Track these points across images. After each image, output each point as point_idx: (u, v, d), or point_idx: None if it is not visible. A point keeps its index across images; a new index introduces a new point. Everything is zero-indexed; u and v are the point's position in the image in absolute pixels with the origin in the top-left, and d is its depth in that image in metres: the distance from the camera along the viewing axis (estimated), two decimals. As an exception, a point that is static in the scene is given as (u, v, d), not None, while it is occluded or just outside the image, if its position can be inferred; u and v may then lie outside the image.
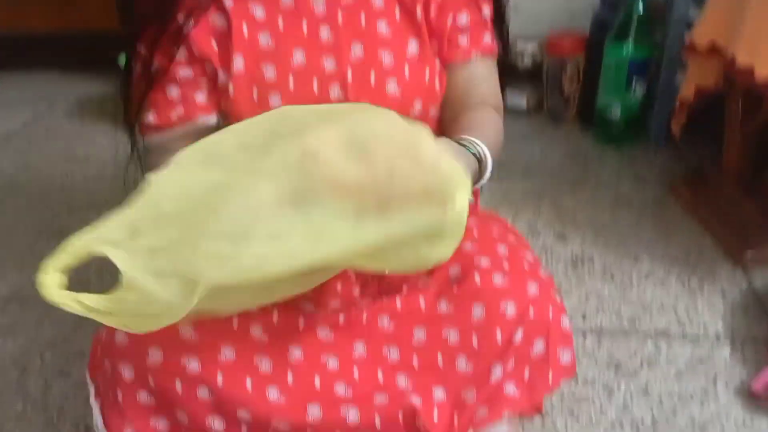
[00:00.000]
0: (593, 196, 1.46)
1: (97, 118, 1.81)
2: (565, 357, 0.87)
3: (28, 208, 1.44)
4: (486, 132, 0.83)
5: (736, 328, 1.10)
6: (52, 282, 0.63)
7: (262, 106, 0.82)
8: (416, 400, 0.82)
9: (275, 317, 0.84)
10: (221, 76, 0.82)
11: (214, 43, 0.82)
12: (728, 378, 1.01)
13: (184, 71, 0.83)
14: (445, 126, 0.94)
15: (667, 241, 1.31)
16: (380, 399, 0.81)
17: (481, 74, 0.91)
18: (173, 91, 0.84)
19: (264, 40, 0.82)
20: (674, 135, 1.45)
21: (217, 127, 0.87)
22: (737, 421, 0.94)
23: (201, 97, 0.85)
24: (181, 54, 0.82)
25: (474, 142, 0.76)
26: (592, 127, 1.70)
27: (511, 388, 0.84)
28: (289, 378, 0.80)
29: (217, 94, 0.85)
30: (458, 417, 0.82)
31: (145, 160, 0.91)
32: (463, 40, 0.88)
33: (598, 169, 1.56)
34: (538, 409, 0.94)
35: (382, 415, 0.81)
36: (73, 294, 0.63)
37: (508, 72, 0.99)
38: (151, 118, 0.85)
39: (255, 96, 0.82)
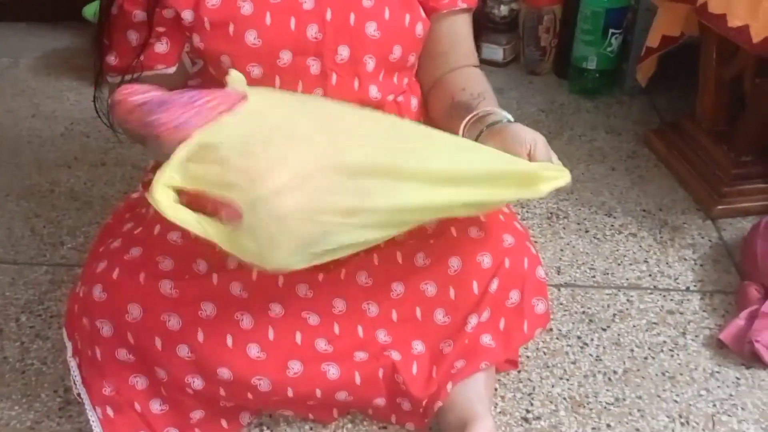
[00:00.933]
0: (568, 149, 1.46)
1: (64, 74, 1.75)
2: (539, 307, 0.89)
3: (-5, 168, 1.41)
4: (494, 100, 0.87)
5: (706, 280, 1.13)
6: (166, 199, 0.64)
7: (238, 43, 0.80)
8: (395, 355, 0.83)
9: (254, 274, 0.84)
10: (188, 16, 0.80)
11: None
12: (697, 329, 1.04)
13: (143, 18, 0.80)
14: (428, 79, 0.93)
15: (641, 194, 1.33)
16: (360, 356, 0.83)
17: (463, 32, 0.92)
18: (133, 38, 0.82)
19: None
20: (641, 84, 1.45)
21: (176, 76, 0.85)
22: (706, 371, 0.97)
23: (161, 47, 0.83)
24: (154, 4, 0.79)
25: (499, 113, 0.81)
26: (567, 79, 1.70)
27: (487, 339, 0.85)
28: (270, 334, 0.81)
29: (181, 42, 0.83)
30: (437, 370, 0.83)
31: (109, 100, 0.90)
32: None
33: (573, 121, 1.56)
34: (513, 363, 0.96)
35: (361, 372, 0.82)
36: (195, 215, 0.65)
37: (484, 22, 0.98)
38: (112, 59, 0.84)
39: (231, 31, 0.80)
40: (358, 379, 0.82)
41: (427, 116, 0.98)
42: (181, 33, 0.82)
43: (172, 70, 0.84)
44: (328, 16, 0.82)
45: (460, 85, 0.89)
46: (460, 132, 0.82)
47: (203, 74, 0.87)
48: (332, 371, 0.81)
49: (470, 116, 0.82)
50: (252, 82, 0.83)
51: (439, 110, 0.91)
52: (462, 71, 0.91)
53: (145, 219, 0.87)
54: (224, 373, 0.78)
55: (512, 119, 0.82)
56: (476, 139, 0.80)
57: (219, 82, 0.85)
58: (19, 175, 1.38)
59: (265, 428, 0.89)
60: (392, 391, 0.84)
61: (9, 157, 1.44)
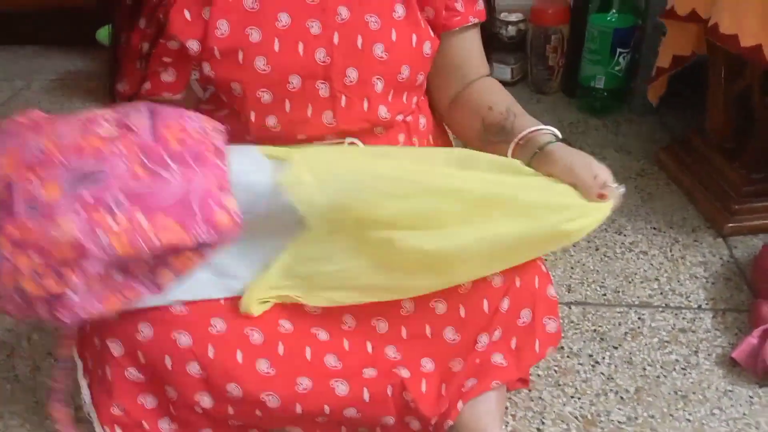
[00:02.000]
0: (578, 167, 1.46)
1: (76, 95, 1.78)
2: (551, 326, 0.89)
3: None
4: (521, 109, 0.89)
5: (718, 298, 1.12)
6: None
7: (247, 70, 0.82)
8: (404, 373, 0.83)
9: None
10: (193, 46, 0.82)
11: (187, 14, 0.81)
12: (710, 347, 1.03)
13: (153, 48, 0.82)
14: (445, 95, 0.95)
15: (651, 212, 1.32)
16: (369, 373, 0.82)
17: (475, 45, 0.93)
18: (140, 67, 0.84)
19: (248, 2, 0.81)
20: (653, 103, 1.46)
21: (186, 102, 0.88)
22: (719, 390, 0.96)
23: (167, 76, 0.85)
24: (153, 29, 0.81)
25: (547, 131, 0.82)
26: (576, 97, 1.70)
27: (498, 358, 0.85)
28: (280, 349, 0.81)
29: (187, 71, 0.85)
30: (446, 387, 0.83)
31: None
32: (459, 6, 0.88)
33: (582, 140, 1.56)
34: (524, 382, 0.95)
35: (370, 389, 0.82)
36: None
37: (492, 42, 1.00)
38: (121, 87, 0.86)
39: (240, 59, 0.81)
40: (366, 396, 0.82)
41: (437, 134, 0.99)
42: (187, 62, 0.84)
43: (179, 97, 0.87)
44: (336, 39, 0.83)
45: (485, 103, 0.89)
46: (513, 153, 0.84)
47: (215, 101, 0.88)
48: (341, 388, 0.81)
49: (516, 140, 0.83)
50: (262, 107, 0.84)
51: (471, 134, 0.92)
52: (480, 85, 0.92)
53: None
54: (234, 389, 0.78)
55: (557, 133, 0.83)
56: (530, 163, 0.81)
57: (230, 107, 0.87)
58: (32, 195, 1.39)
59: (274, 447, 0.89)
60: (401, 410, 0.83)
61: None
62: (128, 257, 0.64)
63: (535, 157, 0.80)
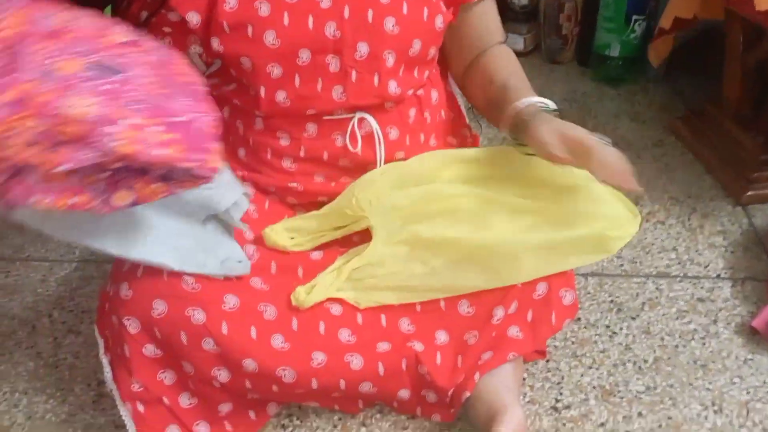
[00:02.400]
0: (593, 138, 1.45)
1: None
2: (567, 298, 0.88)
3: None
4: (522, 80, 0.90)
5: (737, 267, 1.11)
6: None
7: (257, 44, 0.81)
8: (418, 346, 0.83)
9: (273, 269, 0.85)
10: (193, 19, 0.81)
11: None
12: (729, 316, 1.02)
13: (152, 17, 0.82)
14: (461, 64, 0.94)
15: (668, 182, 1.31)
16: (383, 347, 0.83)
17: (492, 14, 0.93)
18: None
19: None
20: (653, 65, 1.43)
21: (216, 74, 0.87)
22: (738, 358, 0.96)
23: None
24: (158, 7, 0.81)
25: (538, 104, 0.84)
26: (590, 67, 1.68)
27: (514, 331, 0.85)
28: (294, 324, 0.82)
29: (185, 44, 0.84)
30: (462, 359, 0.83)
31: None
32: None
33: (597, 110, 1.54)
34: (541, 353, 0.95)
35: (385, 363, 0.82)
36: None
37: (505, 12, 0.99)
38: None
39: (250, 33, 0.81)
40: (381, 370, 0.82)
41: (449, 108, 0.98)
42: (187, 35, 0.83)
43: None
44: (346, 13, 0.82)
45: (488, 76, 0.90)
46: (503, 128, 0.87)
47: (222, 74, 0.87)
48: (355, 362, 0.82)
49: (507, 114, 0.85)
50: (272, 82, 0.84)
51: (479, 106, 0.95)
52: (489, 56, 0.92)
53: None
54: (249, 364, 0.79)
55: (549, 104, 0.85)
56: (516, 138, 0.85)
57: (239, 81, 0.86)
58: (47, 175, 1.40)
59: (294, 418, 0.90)
60: (416, 383, 0.84)
61: (37, 157, 1.46)
62: (118, 160, 0.59)
63: (518, 130, 0.84)
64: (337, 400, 0.87)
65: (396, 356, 0.83)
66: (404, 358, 0.83)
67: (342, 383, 0.81)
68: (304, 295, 0.82)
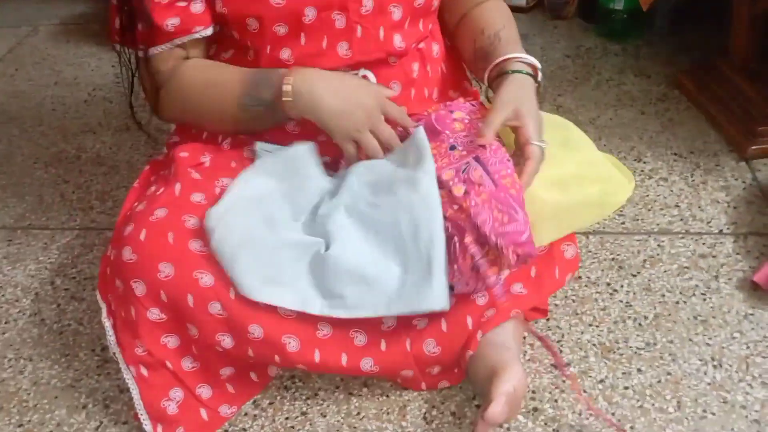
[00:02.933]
0: (596, 94, 1.43)
1: (82, 40, 1.75)
2: (569, 251, 0.89)
3: (21, 136, 1.43)
4: (514, 34, 0.89)
5: (739, 222, 1.10)
6: None
7: (262, 3, 0.81)
8: (422, 323, 0.83)
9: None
10: None
11: None
12: (730, 272, 1.02)
13: None
14: (454, 16, 0.93)
15: (671, 138, 1.29)
16: (389, 323, 0.83)
17: None
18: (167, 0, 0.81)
19: None
20: (643, 7, 1.38)
21: (213, 39, 0.85)
22: (739, 313, 0.96)
23: (197, 6, 0.82)
24: None
25: (526, 64, 0.84)
26: (594, 22, 1.64)
27: (518, 287, 0.85)
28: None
29: (213, 1, 0.82)
30: (471, 320, 0.84)
31: (143, 72, 0.90)
32: None
33: (601, 66, 1.52)
34: (542, 312, 0.96)
35: (388, 341, 0.83)
36: None
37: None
38: (146, 26, 0.83)
39: None
40: (383, 346, 0.83)
41: (450, 61, 0.96)
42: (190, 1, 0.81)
43: (210, 31, 0.84)
44: None
45: (479, 26, 0.88)
46: (485, 80, 0.87)
47: (221, 40, 0.86)
48: (360, 338, 0.82)
49: (490, 68, 0.85)
50: (277, 40, 0.82)
51: (466, 58, 0.94)
52: (482, 8, 0.91)
53: (168, 180, 0.87)
54: (255, 330, 0.79)
55: (535, 63, 0.85)
56: (490, 86, 0.86)
57: (237, 47, 0.85)
58: (44, 143, 1.40)
59: (297, 380, 0.91)
60: (422, 362, 0.84)
61: (33, 125, 1.45)
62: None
63: (494, 82, 0.85)
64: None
65: (400, 334, 0.83)
66: (408, 338, 0.83)
67: (344, 358, 0.82)
68: None
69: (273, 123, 0.85)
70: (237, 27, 0.83)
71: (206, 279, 0.78)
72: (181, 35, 0.84)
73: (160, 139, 1.34)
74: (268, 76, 0.82)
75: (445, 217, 0.79)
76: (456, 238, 0.78)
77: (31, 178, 1.30)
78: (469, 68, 0.97)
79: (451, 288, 0.80)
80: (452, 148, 0.82)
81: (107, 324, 0.84)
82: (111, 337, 0.83)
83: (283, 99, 0.80)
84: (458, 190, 0.78)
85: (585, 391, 0.87)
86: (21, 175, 1.31)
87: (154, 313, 0.80)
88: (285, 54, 0.83)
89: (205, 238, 0.80)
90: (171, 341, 0.82)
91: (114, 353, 0.83)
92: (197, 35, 0.84)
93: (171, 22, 0.83)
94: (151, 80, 0.90)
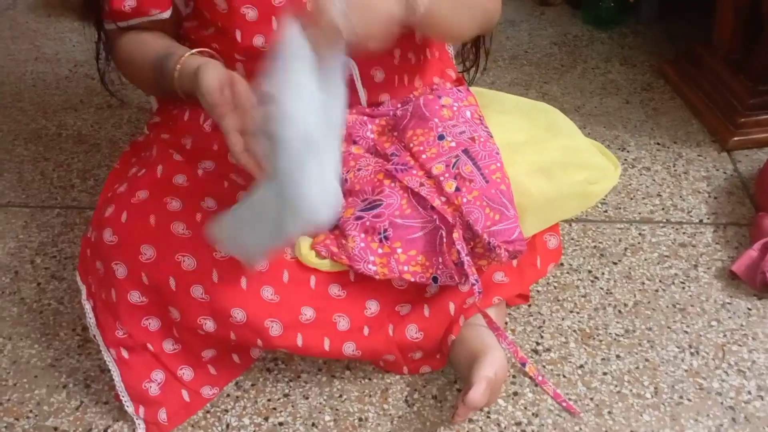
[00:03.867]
0: (581, 82, 1.43)
1: (64, 14, 1.72)
2: (552, 242, 0.89)
3: (0, 112, 1.40)
4: None
5: (720, 213, 1.11)
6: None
7: None
8: (405, 309, 0.83)
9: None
10: None
11: None
12: (710, 261, 1.03)
13: None
14: None
15: (655, 127, 1.30)
16: (372, 307, 0.83)
17: None
18: None
19: None
20: (630, 0, 1.38)
21: (171, 20, 0.84)
22: (717, 302, 0.97)
23: None
24: None
25: None
26: (581, 9, 1.64)
27: (500, 276, 0.86)
28: (285, 276, 0.81)
29: None
30: (454, 307, 0.84)
31: (108, 47, 0.91)
32: None
33: (587, 54, 1.52)
34: (524, 298, 0.97)
35: (370, 325, 0.83)
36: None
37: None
38: (106, 6, 0.83)
39: None
40: (366, 331, 0.83)
41: (433, 48, 0.95)
42: None
43: (166, 14, 0.84)
44: None
45: None
46: None
47: (199, 17, 0.85)
48: (342, 323, 0.82)
49: None
50: (248, 25, 0.81)
51: None
52: None
53: (149, 162, 0.86)
54: (238, 314, 0.79)
55: None
56: None
57: (215, 25, 0.84)
58: (24, 119, 1.37)
59: (279, 362, 0.91)
60: (404, 347, 0.85)
61: (13, 101, 1.43)
62: None
63: None
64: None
65: (383, 319, 0.83)
66: (391, 323, 0.83)
67: (326, 342, 0.82)
68: (307, 249, 0.82)
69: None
70: (206, 7, 0.82)
71: (188, 262, 0.78)
72: (136, 17, 0.84)
73: (142, 119, 1.33)
74: (169, 57, 0.81)
75: (432, 208, 0.79)
76: (443, 232, 0.78)
77: (11, 155, 1.28)
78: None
79: (435, 280, 0.80)
80: (441, 137, 0.82)
81: (87, 306, 0.83)
82: (91, 319, 0.82)
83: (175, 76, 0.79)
84: (449, 186, 0.78)
85: (564, 376, 0.88)
86: (1, 153, 1.29)
87: (135, 296, 0.79)
88: (258, 41, 0.82)
89: (187, 220, 0.80)
90: (152, 323, 0.81)
91: (94, 335, 0.83)
92: (154, 17, 0.84)
93: (128, 4, 0.83)
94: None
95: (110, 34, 0.89)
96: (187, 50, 0.81)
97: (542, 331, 0.94)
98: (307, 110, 0.64)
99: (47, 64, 1.54)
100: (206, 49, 0.82)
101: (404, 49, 0.89)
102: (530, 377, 0.87)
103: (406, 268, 0.80)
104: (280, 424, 0.84)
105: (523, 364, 0.88)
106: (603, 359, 0.90)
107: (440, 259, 0.79)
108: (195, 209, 0.81)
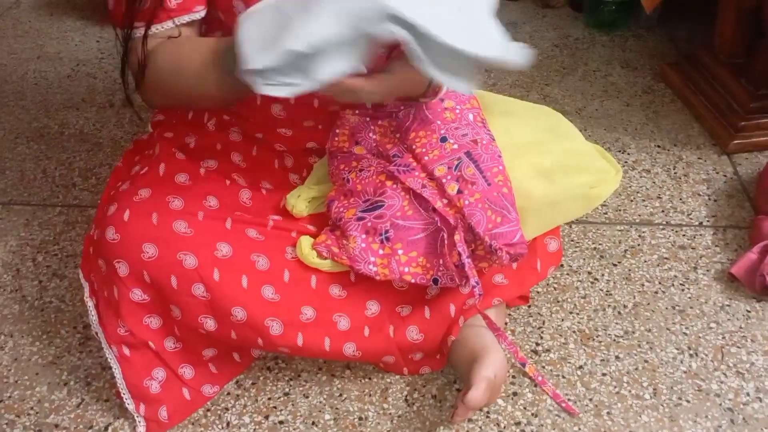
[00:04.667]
0: (582, 84, 1.43)
1: (66, 14, 1.72)
2: (552, 245, 0.89)
3: (3, 110, 1.40)
4: None
5: (719, 215, 1.12)
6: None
7: None
8: (406, 310, 0.84)
9: (270, 223, 0.85)
10: None
11: None
12: (709, 264, 1.04)
13: None
14: None
15: (655, 130, 1.31)
16: (373, 308, 0.83)
17: None
18: None
19: None
20: (647, 12, 1.40)
21: (202, 21, 0.83)
22: (716, 304, 0.98)
23: None
24: None
25: None
26: (583, 12, 1.65)
27: (499, 278, 0.86)
28: (286, 276, 0.82)
29: None
30: (454, 309, 0.84)
31: (135, 55, 0.81)
32: None
33: (588, 56, 1.52)
34: (524, 299, 0.97)
35: (371, 326, 0.83)
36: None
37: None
38: (144, 3, 0.77)
39: None
40: (366, 332, 0.83)
41: None
42: None
43: (204, 13, 0.80)
44: None
45: None
46: None
47: (209, 22, 0.84)
48: (343, 323, 0.82)
49: None
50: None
51: None
52: None
53: (151, 160, 0.87)
54: (238, 312, 0.79)
55: None
56: None
57: (228, 27, 0.83)
58: (26, 118, 1.38)
59: (279, 361, 0.91)
60: (404, 349, 0.85)
61: (15, 99, 1.43)
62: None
63: None
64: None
65: (384, 320, 0.84)
66: (391, 324, 0.84)
67: (327, 342, 0.82)
68: (308, 249, 0.82)
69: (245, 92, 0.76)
70: (224, 10, 0.82)
71: (190, 260, 0.78)
72: (181, 14, 0.81)
73: (145, 118, 1.33)
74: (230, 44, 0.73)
75: (434, 210, 0.79)
76: (444, 234, 0.78)
77: (13, 153, 1.29)
78: None
79: (436, 281, 0.80)
80: (443, 139, 0.82)
81: (89, 303, 0.83)
82: (93, 316, 0.83)
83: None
84: (451, 188, 0.79)
85: (564, 377, 0.88)
86: (2, 150, 1.30)
87: (137, 294, 0.80)
88: None
89: (189, 219, 0.80)
90: (153, 322, 0.82)
91: (96, 332, 0.83)
92: (196, 15, 0.82)
93: (171, 2, 0.79)
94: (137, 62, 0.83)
95: (139, 46, 0.79)
96: None
97: (542, 332, 0.94)
98: None
99: (49, 63, 1.54)
100: None
101: None
102: (530, 378, 0.87)
103: (406, 270, 0.80)
104: (281, 422, 0.84)
105: (523, 365, 0.88)
106: (602, 360, 0.90)
107: (441, 261, 0.79)
108: (197, 208, 0.82)
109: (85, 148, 1.29)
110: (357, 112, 0.87)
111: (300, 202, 0.86)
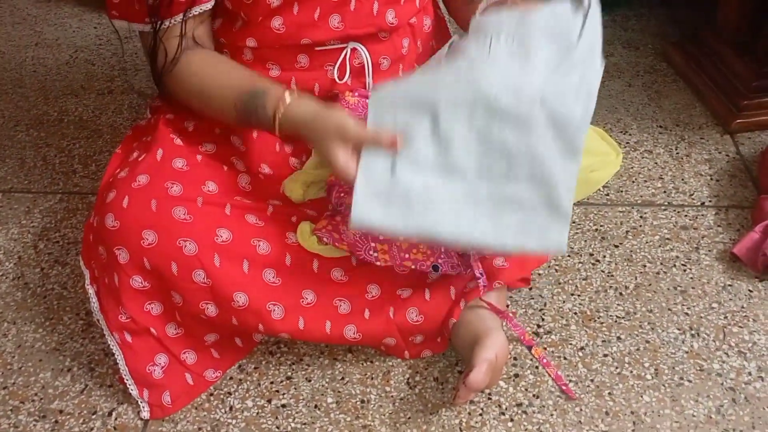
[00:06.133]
0: (583, 65, 1.42)
1: (64, 0, 1.71)
2: None
3: (1, 98, 1.40)
4: None
5: (721, 195, 1.11)
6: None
7: None
8: (406, 293, 0.84)
9: (269, 210, 0.85)
10: None
11: None
12: (711, 244, 1.03)
13: None
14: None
15: (657, 110, 1.30)
16: (373, 291, 0.83)
17: None
18: None
19: None
20: None
21: (209, 20, 0.83)
22: (718, 284, 0.97)
23: None
24: None
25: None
26: (583, -9, 1.63)
27: (500, 261, 0.86)
28: (287, 260, 0.82)
29: None
30: (454, 291, 0.84)
31: (148, 44, 0.83)
32: None
33: (589, 36, 1.51)
34: (525, 281, 0.97)
35: (371, 308, 0.83)
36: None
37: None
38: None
39: None
40: (367, 314, 0.83)
41: (440, 35, 0.95)
42: None
43: (211, 3, 0.81)
44: None
45: None
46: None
47: (220, 12, 0.84)
48: (343, 306, 0.83)
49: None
50: (270, 11, 0.81)
51: (462, 24, 0.91)
52: None
53: (149, 145, 0.86)
54: (240, 297, 0.79)
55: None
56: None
57: (231, 15, 0.83)
58: (25, 105, 1.37)
59: (282, 345, 0.91)
60: (405, 330, 0.85)
61: (14, 87, 1.42)
62: None
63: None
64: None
65: (384, 302, 0.84)
66: (391, 306, 0.84)
67: (328, 325, 0.82)
68: (308, 234, 0.82)
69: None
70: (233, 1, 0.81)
71: (190, 246, 0.78)
72: (194, 5, 0.81)
73: (143, 104, 1.33)
74: (261, 97, 0.78)
75: None
76: None
77: (12, 141, 1.28)
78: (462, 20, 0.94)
79: (436, 268, 0.80)
80: None
81: (91, 291, 0.83)
82: (95, 304, 0.83)
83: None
84: None
85: (565, 358, 0.88)
86: (2, 138, 1.29)
87: (137, 281, 0.80)
88: (276, 22, 0.82)
89: (188, 205, 0.80)
90: (154, 308, 0.82)
91: (98, 319, 0.83)
92: (207, 5, 0.81)
93: None
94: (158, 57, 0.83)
95: (163, 36, 0.81)
96: (274, 87, 0.77)
97: (543, 314, 0.94)
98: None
99: (48, 50, 1.53)
100: (291, 87, 0.81)
101: (413, 37, 0.89)
102: (537, 359, 0.87)
103: (407, 256, 0.80)
104: (283, 406, 0.85)
105: (530, 348, 0.88)
106: (604, 341, 0.90)
107: (443, 249, 0.79)
108: (196, 193, 0.81)
109: (85, 135, 1.29)
110: (356, 94, 0.86)
111: (297, 186, 0.85)
